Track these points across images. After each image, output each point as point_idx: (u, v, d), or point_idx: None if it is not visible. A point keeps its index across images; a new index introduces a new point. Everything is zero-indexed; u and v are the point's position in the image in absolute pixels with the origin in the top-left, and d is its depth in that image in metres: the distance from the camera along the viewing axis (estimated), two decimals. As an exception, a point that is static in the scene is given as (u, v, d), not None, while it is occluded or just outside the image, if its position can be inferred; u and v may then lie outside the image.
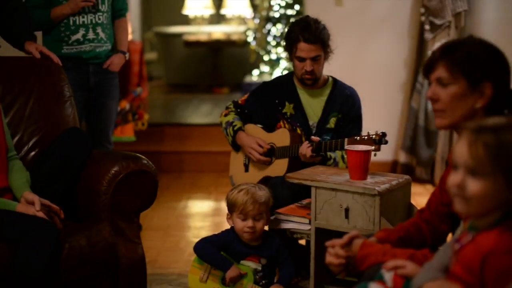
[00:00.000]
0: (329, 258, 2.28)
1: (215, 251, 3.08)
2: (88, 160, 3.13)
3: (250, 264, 3.07)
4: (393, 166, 5.95)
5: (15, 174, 3.04)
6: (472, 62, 2.19)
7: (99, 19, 4.09)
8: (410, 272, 1.98)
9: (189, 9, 10.26)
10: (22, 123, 3.35)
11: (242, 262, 3.08)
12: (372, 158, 3.03)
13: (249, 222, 3.03)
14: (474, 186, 1.69)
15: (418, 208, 2.65)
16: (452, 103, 2.22)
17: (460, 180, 1.71)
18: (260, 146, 3.62)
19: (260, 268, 3.07)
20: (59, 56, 3.69)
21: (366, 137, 3.12)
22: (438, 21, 5.53)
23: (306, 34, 3.55)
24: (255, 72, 7.98)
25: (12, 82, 3.40)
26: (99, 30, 4.08)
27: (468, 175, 1.70)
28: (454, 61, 2.20)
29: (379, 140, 3.09)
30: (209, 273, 3.10)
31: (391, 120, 5.94)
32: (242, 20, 9.96)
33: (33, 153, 3.31)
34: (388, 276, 2.02)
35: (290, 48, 3.63)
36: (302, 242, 3.53)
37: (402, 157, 5.90)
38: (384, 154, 5.66)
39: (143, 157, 3.14)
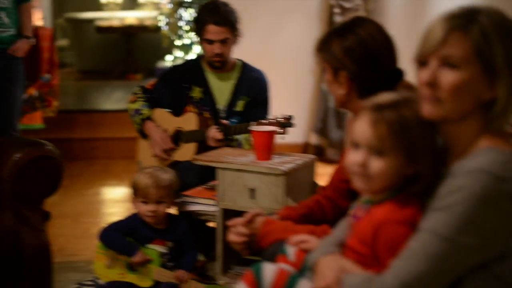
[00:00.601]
0: (231, 237, 2.29)
1: (119, 237, 3.06)
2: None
3: (156, 248, 3.06)
4: (305, 148, 6.01)
5: None
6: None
7: (3, 3, 3.99)
8: (313, 247, 2.00)
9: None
10: None
11: (148, 246, 3.06)
12: (284, 140, 3.06)
13: (151, 206, 3.02)
14: (377, 164, 1.71)
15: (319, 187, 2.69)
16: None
17: (362, 159, 1.73)
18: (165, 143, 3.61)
19: (167, 251, 3.07)
20: None
21: (272, 120, 3.14)
22: (347, 4, 5.61)
23: (214, 16, 3.56)
24: (168, 57, 7.93)
25: None
26: (2, 15, 3.99)
27: (371, 154, 1.72)
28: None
29: (286, 123, 3.12)
30: (115, 259, 3.07)
31: (302, 103, 6.00)
32: (155, 6, 9.86)
33: None
34: (291, 250, 2.05)
35: (199, 31, 3.63)
36: (213, 224, 3.53)
37: (313, 139, 5.97)
38: (296, 136, 5.73)
39: (47, 142, 3.08)
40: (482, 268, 1.59)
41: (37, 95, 5.60)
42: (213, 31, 3.57)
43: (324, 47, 2.32)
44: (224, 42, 3.59)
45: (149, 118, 3.67)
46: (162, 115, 3.70)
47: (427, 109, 1.67)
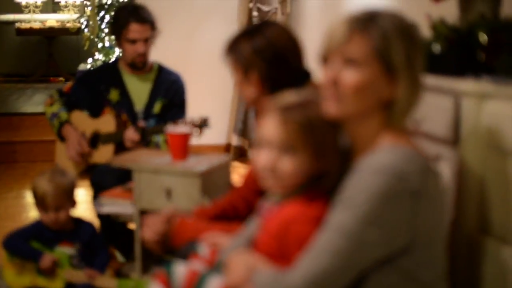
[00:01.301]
0: (144, 235, 2.31)
1: (22, 243, 3.00)
2: None
3: (64, 250, 3.02)
4: (227, 149, 6.06)
5: None
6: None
7: None
8: (225, 244, 2.04)
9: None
10: None
11: (56, 248, 3.03)
12: (206, 141, 3.10)
13: (51, 214, 2.98)
14: (288, 163, 1.76)
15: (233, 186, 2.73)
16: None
17: (272, 159, 1.78)
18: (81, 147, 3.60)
19: (75, 253, 3.03)
20: None
21: (188, 122, 3.17)
22: (265, 8, 5.67)
23: (136, 15, 3.59)
24: (90, 60, 7.86)
25: None
26: None
27: (281, 153, 1.77)
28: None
29: (201, 124, 3.16)
30: (23, 266, 3.03)
31: (223, 105, 6.04)
32: (76, 8, 9.76)
33: None
34: (204, 248, 2.08)
35: (119, 32, 3.63)
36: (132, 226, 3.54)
37: (235, 140, 6.02)
38: (218, 137, 5.78)
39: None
40: (388, 262, 1.64)
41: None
42: (136, 29, 3.58)
43: (233, 48, 2.36)
44: (146, 41, 3.61)
45: (67, 121, 3.65)
46: (79, 117, 3.69)
47: (329, 107, 1.73)
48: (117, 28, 3.63)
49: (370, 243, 1.60)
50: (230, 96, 6.08)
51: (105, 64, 4.02)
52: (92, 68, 4.08)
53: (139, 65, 3.65)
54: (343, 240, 1.60)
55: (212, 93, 5.92)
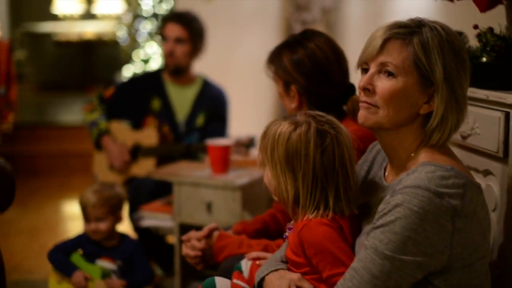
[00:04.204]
0: (185, 250, 2.29)
1: (61, 256, 3.00)
2: None
3: (104, 264, 3.00)
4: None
5: None
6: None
7: None
8: None
9: (58, 7, 10.03)
10: None
11: (97, 261, 3.00)
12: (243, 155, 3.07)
13: (92, 225, 2.97)
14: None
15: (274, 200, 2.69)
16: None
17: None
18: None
19: (115, 269, 3.00)
20: None
21: (235, 141, 3.15)
22: (306, 17, 5.63)
23: (174, 16, 3.69)
24: (127, 69, 7.90)
25: None
26: None
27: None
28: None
29: (247, 143, 3.15)
30: (64, 277, 3.02)
31: (261, 118, 6.00)
32: (113, 17, 9.84)
33: None
34: (245, 267, 2.04)
35: (161, 36, 3.67)
36: (171, 239, 3.52)
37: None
38: (256, 150, 5.73)
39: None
40: (423, 282, 1.60)
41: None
42: (170, 28, 3.61)
43: (274, 60, 2.33)
44: (178, 41, 3.58)
45: (106, 131, 3.63)
46: (120, 128, 3.67)
47: (362, 115, 1.69)
48: (160, 31, 3.69)
49: (407, 264, 1.56)
50: (269, 108, 6.04)
51: (148, 72, 4.02)
52: (134, 76, 4.07)
53: (169, 68, 3.63)
54: (380, 262, 1.56)
55: (250, 105, 5.89)
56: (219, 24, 5.90)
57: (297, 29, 5.67)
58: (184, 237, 2.30)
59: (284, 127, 1.79)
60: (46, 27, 9.85)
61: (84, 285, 2.92)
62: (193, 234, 2.29)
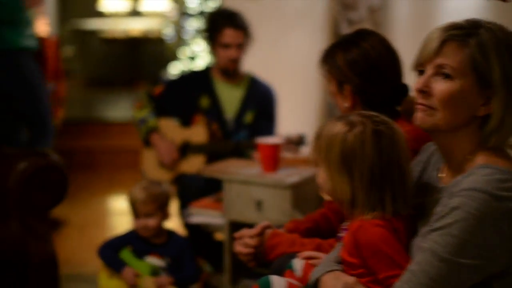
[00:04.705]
0: (238, 248, 2.28)
1: (110, 253, 3.03)
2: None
3: (153, 261, 3.02)
4: (307, 162, 5.99)
5: None
6: None
7: None
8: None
9: (105, 4, 10.13)
10: None
11: (146, 258, 3.03)
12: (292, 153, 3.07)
13: (141, 221, 2.99)
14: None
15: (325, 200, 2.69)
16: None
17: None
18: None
19: (164, 266, 3.02)
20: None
21: (285, 139, 3.15)
22: (353, 16, 5.61)
23: (232, 20, 3.60)
24: (173, 66, 7.95)
25: None
26: None
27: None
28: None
29: (297, 141, 3.15)
30: (113, 271, 3.05)
31: (308, 116, 5.98)
32: (159, 14, 9.90)
33: None
34: (298, 265, 2.04)
35: (213, 37, 3.63)
36: (220, 236, 3.53)
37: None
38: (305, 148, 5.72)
39: (52, 153, 3.09)
40: (481, 283, 1.58)
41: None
42: (231, 34, 3.58)
43: (328, 59, 2.31)
44: (240, 47, 3.60)
45: (155, 129, 3.65)
46: (168, 125, 3.69)
47: (419, 117, 1.68)
48: (211, 32, 3.64)
49: (466, 268, 1.54)
50: (315, 107, 6.02)
51: (196, 70, 4.02)
52: (183, 74, 4.08)
53: (231, 71, 3.65)
54: (438, 265, 1.55)
55: (296, 103, 5.88)
56: (265, 23, 5.89)
57: (344, 28, 5.65)
58: (237, 235, 2.30)
59: (339, 127, 1.78)
60: (93, 24, 9.96)
61: (133, 282, 2.95)
62: (245, 231, 2.29)
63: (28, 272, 2.90)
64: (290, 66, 5.95)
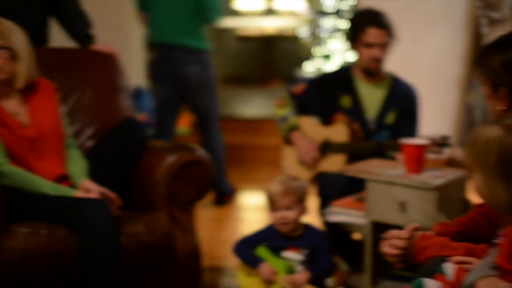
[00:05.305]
0: (386, 249, 2.26)
1: (246, 249, 3.06)
2: (144, 150, 3.16)
3: (290, 256, 3.01)
4: (449, 163, 5.87)
5: (73, 162, 3.09)
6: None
7: None
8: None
9: (241, 3, 10.27)
10: (79, 113, 3.39)
11: (283, 253, 3.04)
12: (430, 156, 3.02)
13: (279, 213, 3.00)
14: None
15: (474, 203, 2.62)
16: None
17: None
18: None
19: (303, 258, 3.01)
20: None
21: (428, 139, 3.09)
22: (495, 15, 5.45)
23: (376, 20, 3.57)
24: (308, 65, 7.96)
25: (70, 72, 3.45)
26: None
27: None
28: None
29: (441, 143, 3.09)
30: (251, 269, 3.07)
31: (446, 117, 5.87)
32: (293, 14, 9.95)
33: (89, 142, 3.35)
34: (449, 270, 2.01)
35: (355, 36, 3.61)
36: (357, 236, 3.52)
37: (459, 154, 5.82)
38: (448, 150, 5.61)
39: (199, 147, 3.17)
40: None
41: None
42: (374, 34, 3.56)
43: (482, 61, 2.26)
44: (383, 46, 3.57)
45: (295, 127, 3.68)
46: (309, 123, 3.70)
47: None
48: (354, 32, 3.62)
49: None
50: (454, 107, 5.90)
51: (338, 69, 4.01)
52: (324, 73, 4.09)
53: (373, 71, 3.62)
54: None
55: (435, 104, 5.77)
56: (403, 22, 5.80)
57: (485, 27, 5.50)
58: (385, 235, 2.28)
59: (496, 131, 1.74)
60: (229, 22, 10.12)
61: (270, 278, 2.97)
62: (394, 232, 2.26)
63: (174, 263, 2.98)
64: (429, 66, 5.85)
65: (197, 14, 4.98)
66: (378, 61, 3.57)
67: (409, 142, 2.95)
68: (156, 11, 5.00)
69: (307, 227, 3.09)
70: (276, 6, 10.34)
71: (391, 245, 2.25)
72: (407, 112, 3.63)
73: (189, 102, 5.20)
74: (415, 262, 2.22)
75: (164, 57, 5.02)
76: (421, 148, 2.92)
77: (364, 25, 3.57)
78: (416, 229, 2.25)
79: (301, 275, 2.96)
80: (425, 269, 2.13)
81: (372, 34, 3.55)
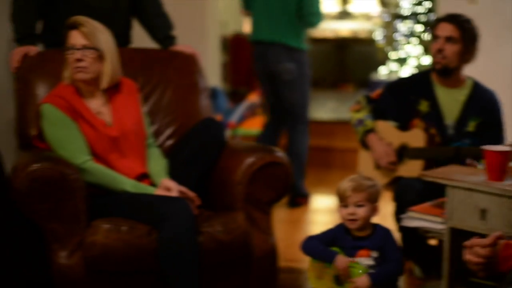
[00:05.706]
0: (468, 256, 2.23)
1: (317, 244, 3.00)
2: (223, 150, 3.19)
3: (362, 260, 2.96)
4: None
5: (153, 161, 3.14)
6: None
7: None
8: None
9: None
10: (160, 113, 3.45)
11: (354, 259, 2.98)
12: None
13: (349, 209, 2.95)
14: None
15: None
16: None
17: None
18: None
19: (373, 263, 2.96)
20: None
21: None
22: None
23: (448, 15, 3.59)
24: (382, 69, 7.91)
25: (151, 72, 3.51)
26: None
27: None
28: None
29: None
30: (323, 271, 3.04)
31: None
32: (368, 17, 9.89)
33: (169, 142, 3.41)
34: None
35: (432, 36, 3.60)
36: (433, 242, 3.48)
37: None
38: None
39: (278, 149, 3.19)
40: None
41: (257, 101, 5.76)
42: (441, 27, 3.55)
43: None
44: (448, 40, 3.52)
45: (372, 130, 3.66)
46: (386, 128, 3.68)
47: None
48: (431, 31, 3.62)
49: None
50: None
51: (416, 74, 3.97)
52: (402, 77, 4.06)
53: (437, 67, 3.54)
54: None
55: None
56: (482, 26, 5.71)
57: None
58: (467, 243, 2.25)
59: None
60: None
61: (347, 272, 2.91)
62: (477, 240, 2.24)
63: (251, 263, 3.01)
64: (508, 73, 5.74)
65: (299, 17, 5.10)
66: (439, 52, 3.51)
67: (492, 148, 2.90)
68: (257, 10, 5.23)
69: (375, 226, 3.04)
70: (350, 9, 10.30)
71: (473, 253, 2.22)
72: (490, 120, 3.56)
73: (280, 99, 5.33)
74: (498, 271, 2.19)
75: (260, 54, 5.25)
76: (504, 155, 2.87)
77: (437, 22, 3.57)
78: (500, 237, 2.22)
79: (362, 279, 2.90)
80: (508, 278, 2.11)
81: (440, 27, 3.53)
